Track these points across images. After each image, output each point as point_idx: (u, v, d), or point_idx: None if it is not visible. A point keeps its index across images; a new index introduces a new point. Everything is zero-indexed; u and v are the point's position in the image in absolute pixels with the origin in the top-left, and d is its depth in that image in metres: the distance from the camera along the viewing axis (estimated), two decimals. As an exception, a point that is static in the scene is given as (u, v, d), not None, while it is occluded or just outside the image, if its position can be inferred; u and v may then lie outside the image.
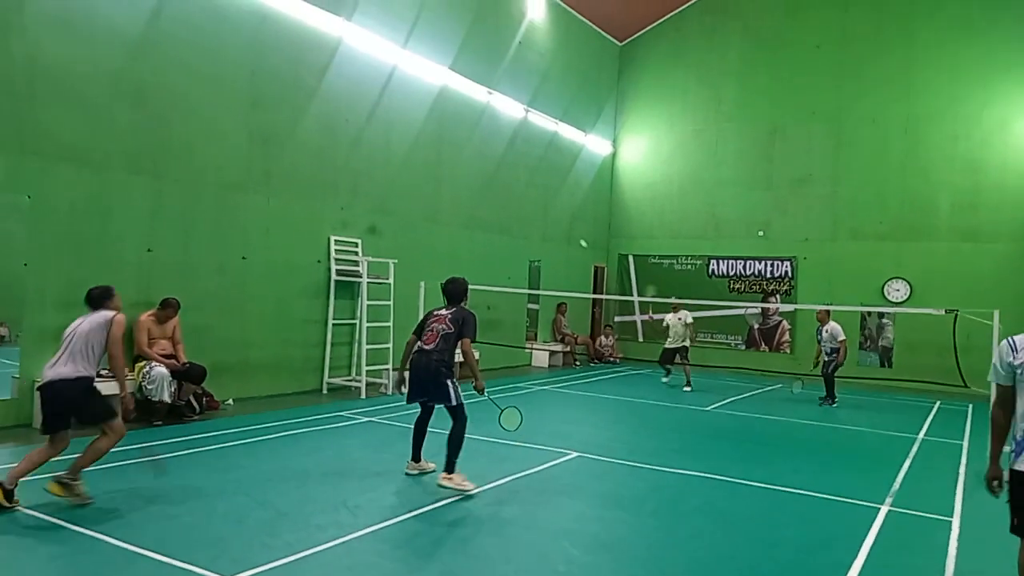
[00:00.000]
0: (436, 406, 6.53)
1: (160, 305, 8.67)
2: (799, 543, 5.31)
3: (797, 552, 5.12)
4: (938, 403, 13.17)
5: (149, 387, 8.17)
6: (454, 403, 6.22)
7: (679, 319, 13.73)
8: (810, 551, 5.16)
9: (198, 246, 9.58)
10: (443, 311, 6.53)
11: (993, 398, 3.85)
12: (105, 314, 5.71)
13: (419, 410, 6.66)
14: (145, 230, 8.96)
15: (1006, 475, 3.65)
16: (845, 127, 16.75)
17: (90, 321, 5.67)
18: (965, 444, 9.42)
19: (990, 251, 15.25)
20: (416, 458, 6.68)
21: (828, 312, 12.51)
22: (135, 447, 7.13)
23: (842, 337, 12.21)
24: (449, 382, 6.24)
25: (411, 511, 5.61)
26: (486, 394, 6.50)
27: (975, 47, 15.55)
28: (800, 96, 17.26)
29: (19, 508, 5.25)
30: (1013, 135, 15.26)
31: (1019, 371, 3.63)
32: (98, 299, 5.83)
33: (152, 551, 4.56)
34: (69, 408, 5.54)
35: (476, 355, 6.92)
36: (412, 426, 6.72)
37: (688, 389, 13.41)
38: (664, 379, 13.95)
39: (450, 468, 6.13)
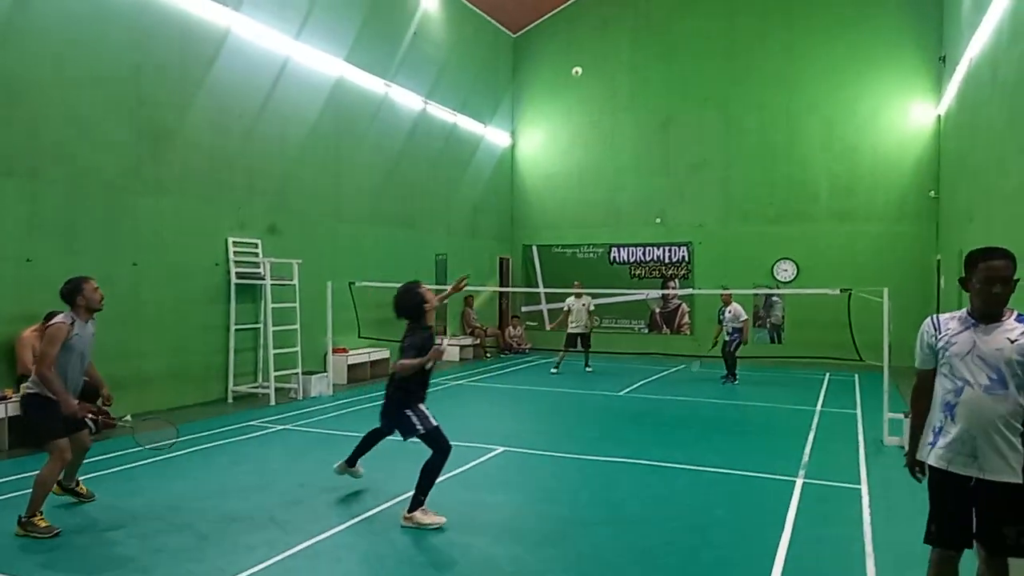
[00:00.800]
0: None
1: (45, 319, 7.92)
2: (730, 523, 5.51)
3: (730, 532, 5.30)
4: (827, 375, 14.04)
5: (37, 409, 7.48)
6: (422, 431, 5.36)
7: (583, 305, 14.09)
8: (741, 530, 5.35)
9: (84, 253, 8.86)
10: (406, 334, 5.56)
11: (914, 385, 3.52)
12: (51, 322, 5.27)
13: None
14: (22, 238, 8.22)
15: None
16: (733, 115, 17.50)
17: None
18: (858, 413, 10.08)
19: (866, 231, 16.37)
20: (351, 462, 6.17)
21: (731, 294, 13.07)
22: (27, 475, 6.55)
23: (744, 317, 12.86)
24: (408, 412, 5.41)
25: (344, 522, 5.43)
26: (444, 344, 5.74)
27: (848, 40, 16.57)
28: (691, 85, 17.88)
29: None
30: (884, 123, 16.40)
31: (940, 352, 3.32)
32: (66, 296, 5.37)
33: (65, 591, 4.19)
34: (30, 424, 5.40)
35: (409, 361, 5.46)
36: (349, 432, 6.28)
37: (589, 369, 14.14)
38: (554, 370, 14.16)
39: (414, 505, 5.29)
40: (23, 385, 5.43)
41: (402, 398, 5.45)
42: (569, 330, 14.21)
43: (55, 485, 5.59)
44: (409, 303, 5.50)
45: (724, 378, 13.00)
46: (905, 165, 16.22)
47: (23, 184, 8.24)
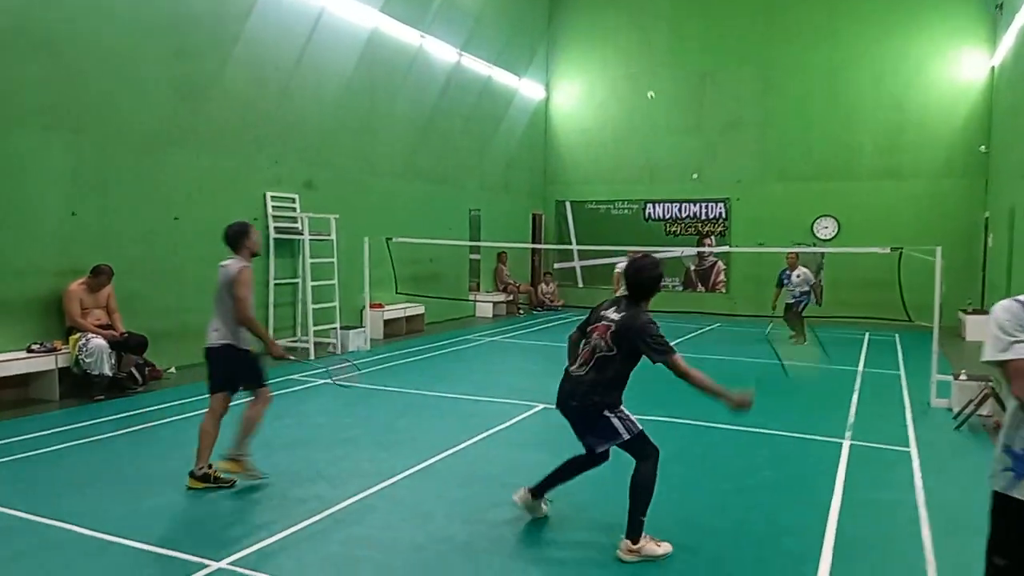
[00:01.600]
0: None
1: (91, 272, 8.06)
2: (778, 485, 5.46)
3: (778, 494, 5.26)
4: (867, 335, 13.81)
5: (87, 360, 7.63)
6: (626, 436, 4.30)
7: None
8: (790, 492, 5.31)
9: (125, 208, 8.92)
10: (613, 313, 4.36)
11: (1013, 384, 2.39)
12: (229, 270, 5.20)
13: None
14: (65, 192, 8.26)
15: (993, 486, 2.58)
16: (773, 71, 16.96)
17: (222, 274, 5.24)
18: (902, 374, 9.91)
19: (911, 188, 15.90)
20: (537, 493, 4.74)
21: (797, 256, 12.72)
22: (79, 425, 6.71)
23: (813, 281, 12.70)
24: (608, 413, 4.30)
25: (393, 476, 5.47)
26: (741, 397, 4.32)
27: (897, -12, 15.90)
28: (729, 40, 17.34)
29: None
30: (932, 75, 15.79)
31: None
32: (232, 240, 5.33)
33: (124, 538, 4.28)
34: (225, 375, 5.32)
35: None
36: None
37: None
38: None
39: (635, 533, 4.16)
40: (218, 336, 5.20)
41: (604, 401, 4.30)
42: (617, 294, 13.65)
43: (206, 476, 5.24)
44: (650, 278, 4.37)
45: (792, 337, 12.71)
46: (954, 119, 15.64)
47: (67, 137, 8.25)
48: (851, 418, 7.42)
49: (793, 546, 4.38)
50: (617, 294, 12.85)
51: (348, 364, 5.72)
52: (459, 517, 4.76)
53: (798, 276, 12.54)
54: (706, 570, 4.09)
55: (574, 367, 4.46)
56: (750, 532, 4.59)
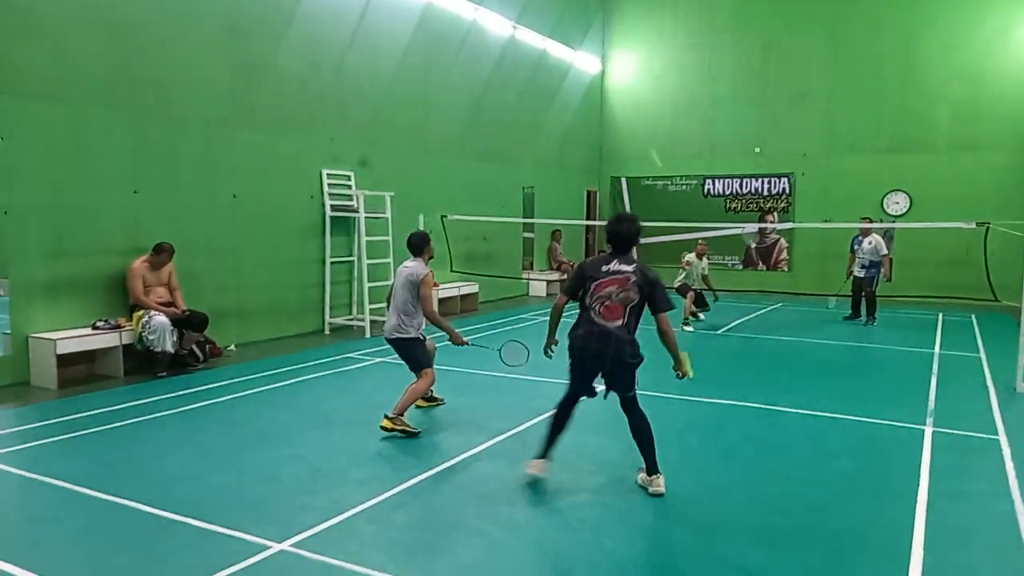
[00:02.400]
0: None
1: (153, 250, 8.14)
2: (856, 474, 5.16)
3: (857, 484, 4.97)
4: (941, 315, 13.17)
5: (150, 337, 7.73)
6: (635, 390, 4.83)
7: (703, 269, 12.39)
8: (870, 482, 5.00)
9: (186, 186, 8.99)
10: (621, 266, 4.65)
11: None
12: (415, 272, 5.98)
13: (567, 392, 4.99)
14: (128, 170, 8.34)
15: None
16: (842, 39, 16.18)
17: (404, 276, 6.03)
18: (983, 357, 9.36)
19: (990, 161, 15.04)
20: (546, 453, 4.93)
21: (871, 225, 12.11)
22: (142, 402, 6.79)
23: (884, 252, 12.00)
24: (636, 369, 4.77)
25: (452, 457, 5.37)
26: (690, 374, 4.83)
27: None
28: (795, 6, 16.58)
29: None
30: (1013, 43, 14.83)
31: None
32: (416, 246, 6.17)
33: (188, 517, 4.26)
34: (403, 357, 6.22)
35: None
36: (554, 411, 4.93)
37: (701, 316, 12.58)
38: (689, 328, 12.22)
39: (651, 468, 4.73)
40: (396, 326, 6.10)
41: (639, 354, 4.72)
42: (688, 282, 12.19)
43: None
44: (633, 230, 4.80)
45: (867, 321, 12.05)
46: (1039, 86, 14.67)
47: (128, 118, 8.31)
48: (931, 403, 7.01)
49: (879, 539, 4.11)
50: (678, 280, 12.13)
51: (522, 347, 6.03)
52: (521, 501, 4.62)
53: (869, 243, 11.95)
54: (789, 564, 3.84)
55: (607, 322, 4.65)
56: (831, 524, 4.32)
